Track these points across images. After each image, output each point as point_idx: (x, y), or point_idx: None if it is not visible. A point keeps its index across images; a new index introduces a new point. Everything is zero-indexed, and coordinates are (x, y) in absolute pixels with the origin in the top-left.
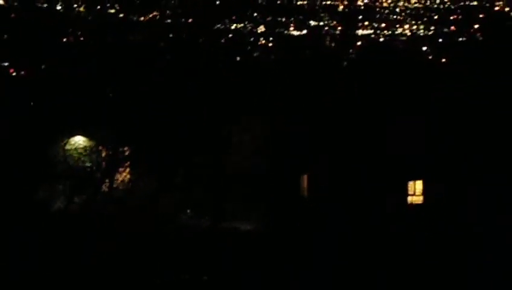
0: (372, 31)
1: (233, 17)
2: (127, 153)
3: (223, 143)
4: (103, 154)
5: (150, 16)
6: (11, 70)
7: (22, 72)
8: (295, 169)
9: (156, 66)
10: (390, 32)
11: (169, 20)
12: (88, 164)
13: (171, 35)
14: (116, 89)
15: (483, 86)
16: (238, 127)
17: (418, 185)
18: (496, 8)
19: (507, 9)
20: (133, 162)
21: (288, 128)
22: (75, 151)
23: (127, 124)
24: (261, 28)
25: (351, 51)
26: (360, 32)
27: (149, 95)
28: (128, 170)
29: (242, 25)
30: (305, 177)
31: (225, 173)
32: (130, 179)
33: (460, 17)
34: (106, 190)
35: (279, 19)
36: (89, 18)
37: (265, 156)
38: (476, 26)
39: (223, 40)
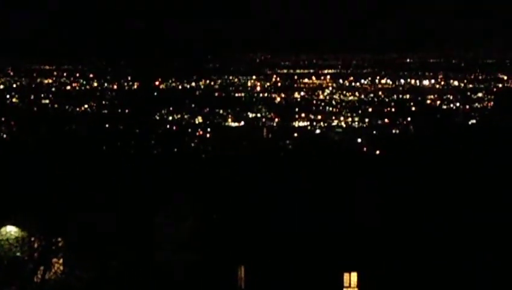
0: (308, 123)
1: (171, 108)
2: (60, 244)
3: (153, 233)
4: (36, 245)
5: (86, 106)
6: None
7: None
8: (231, 259)
9: (91, 155)
10: (326, 124)
11: (105, 111)
12: (19, 254)
13: (107, 126)
14: (49, 179)
15: (417, 177)
16: (169, 217)
17: (353, 277)
18: (428, 102)
19: (438, 102)
20: (66, 252)
21: (223, 218)
22: (6, 242)
23: (60, 214)
24: (199, 119)
25: (287, 142)
26: (296, 124)
27: (82, 186)
28: (61, 260)
29: (180, 115)
30: (242, 267)
31: (156, 264)
32: (63, 270)
33: (393, 110)
34: (39, 281)
35: (217, 110)
36: (23, 109)
37: (198, 246)
38: (409, 118)
39: (160, 131)
